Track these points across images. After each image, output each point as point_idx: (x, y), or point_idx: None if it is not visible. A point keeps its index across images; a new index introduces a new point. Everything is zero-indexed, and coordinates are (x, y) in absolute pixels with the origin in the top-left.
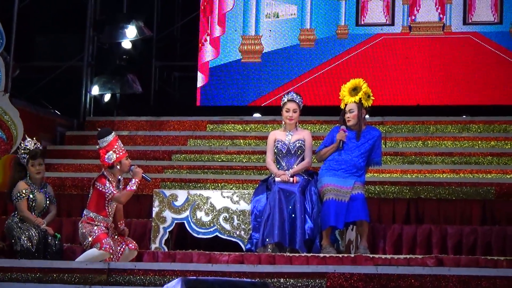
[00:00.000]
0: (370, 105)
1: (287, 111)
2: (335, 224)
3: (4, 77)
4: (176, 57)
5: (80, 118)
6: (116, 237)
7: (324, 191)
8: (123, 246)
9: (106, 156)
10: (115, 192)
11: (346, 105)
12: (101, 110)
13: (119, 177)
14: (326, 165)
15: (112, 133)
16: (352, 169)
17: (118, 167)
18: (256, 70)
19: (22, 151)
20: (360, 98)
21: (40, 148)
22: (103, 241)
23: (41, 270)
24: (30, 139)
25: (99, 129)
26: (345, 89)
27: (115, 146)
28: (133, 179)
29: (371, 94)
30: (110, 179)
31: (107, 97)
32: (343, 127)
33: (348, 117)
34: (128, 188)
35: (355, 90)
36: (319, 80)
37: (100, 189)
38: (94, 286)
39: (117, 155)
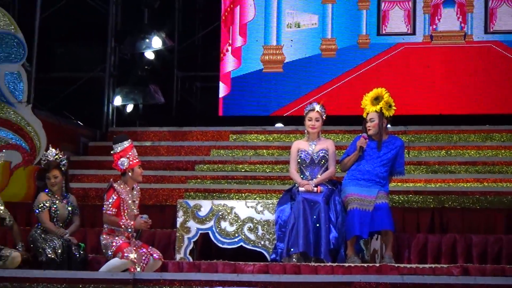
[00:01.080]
0: (391, 115)
1: (309, 120)
2: (359, 233)
3: (27, 88)
4: (198, 67)
5: (102, 128)
6: (140, 247)
7: (348, 201)
8: (148, 256)
9: (119, 162)
10: (109, 212)
11: (367, 114)
12: (123, 121)
13: (135, 186)
14: (349, 175)
15: (128, 140)
16: (375, 178)
17: (130, 174)
18: (277, 80)
19: (43, 162)
20: (381, 108)
21: (63, 158)
22: (125, 250)
23: (66, 281)
24: (53, 149)
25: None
26: (367, 98)
27: (129, 153)
28: (131, 223)
29: (393, 104)
30: (121, 188)
31: (129, 108)
32: (364, 134)
33: (369, 126)
34: (120, 222)
35: (377, 99)
36: (341, 90)
37: (104, 202)
38: None
39: (130, 162)
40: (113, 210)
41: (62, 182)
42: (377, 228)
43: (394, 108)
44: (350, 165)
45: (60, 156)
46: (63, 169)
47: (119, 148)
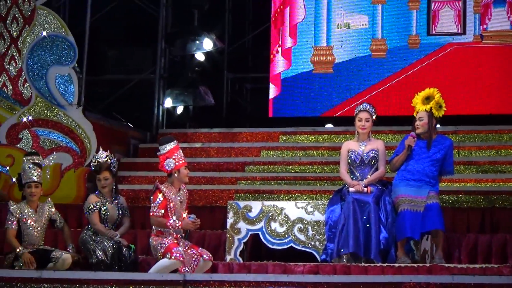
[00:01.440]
0: (441, 115)
1: (359, 121)
2: (411, 235)
3: (77, 90)
4: (248, 69)
5: (153, 130)
6: (189, 248)
7: (399, 202)
8: (198, 257)
9: (165, 163)
10: (156, 213)
11: (417, 113)
12: (173, 123)
13: (182, 186)
14: (399, 175)
15: (174, 141)
16: (425, 178)
17: (176, 175)
18: (327, 81)
19: (93, 164)
20: (431, 107)
21: (114, 160)
22: (173, 250)
23: (116, 282)
24: (103, 151)
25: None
26: (418, 97)
27: (175, 154)
28: (179, 223)
29: (444, 105)
30: (167, 190)
31: (179, 110)
32: (412, 133)
33: (418, 125)
34: (167, 223)
35: (428, 99)
36: (391, 90)
37: (151, 203)
38: None
39: (176, 163)
40: (160, 211)
41: (112, 184)
42: (428, 229)
43: (444, 108)
44: (399, 165)
45: (111, 158)
46: (113, 170)
47: (165, 149)
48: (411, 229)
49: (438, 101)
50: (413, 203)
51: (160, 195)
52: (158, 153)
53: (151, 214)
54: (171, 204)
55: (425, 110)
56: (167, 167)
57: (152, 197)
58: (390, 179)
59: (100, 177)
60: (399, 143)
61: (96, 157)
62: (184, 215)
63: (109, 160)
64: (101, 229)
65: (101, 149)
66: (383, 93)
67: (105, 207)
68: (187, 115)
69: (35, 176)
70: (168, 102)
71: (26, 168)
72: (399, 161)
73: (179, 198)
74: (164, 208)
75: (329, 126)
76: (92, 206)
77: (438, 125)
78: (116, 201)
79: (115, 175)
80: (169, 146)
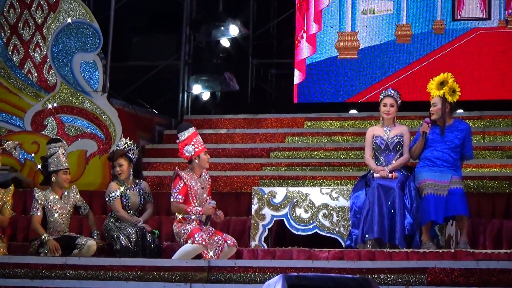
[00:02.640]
0: (455, 100)
1: (384, 106)
2: (435, 218)
3: (102, 77)
4: (273, 55)
5: (177, 117)
6: (214, 234)
7: (423, 187)
8: (223, 243)
9: (184, 150)
10: (176, 199)
11: (432, 98)
12: (198, 109)
13: (204, 172)
14: (421, 163)
15: (192, 128)
16: (446, 164)
17: (197, 161)
18: (352, 67)
19: (109, 152)
20: (444, 93)
21: (133, 147)
22: (196, 235)
23: (141, 268)
24: (124, 139)
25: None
26: (433, 82)
27: (194, 140)
28: (199, 209)
29: (458, 90)
30: (188, 176)
31: (204, 96)
32: (426, 119)
33: (432, 111)
34: (188, 209)
35: (442, 84)
36: (415, 76)
37: (172, 189)
38: (195, 284)
39: (196, 149)
40: (181, 197)
41: (129, 171)
42: (452, 213)
43: (458, 93)
44: (418, 152)
45: (130, 145)
46: (131, 157)
47: (183, 136)
48: (435, 213)
49: (452, 86)
50: (437, 187)
51: (180, 182)
52: (177, 141)
53: (171, 200)
54: (192, 191)
55: (439, 95)
56: (186, 153)
57: (172, 184)
58: (415, 164)
59: (115, 164)
60: (417, 131)
61: (117, 145)
62: (208, 200)
63: (126, 147)
64: (124, 216)
65: (123, 137)
66: (408, 79)
67: (126, 194)
68: (212, 101)
69: (67, 163)
70: (196, 88)
71: (60, 155)
72: (418, 149)
73: (200, 184)
74: (184, 194)
75: (353, 111)
76: (112, 194)
77: (461, 110)
78: (138, 187)
79: (133, 161)
80: (187, 133)
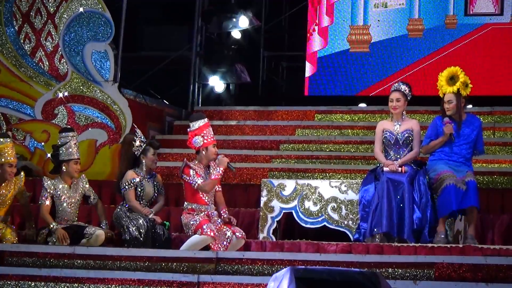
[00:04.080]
0: (468, 93)
1: (390, 101)
2: (456, 208)
3: (113, 66)
4: (284, 47)
5: (188, 108)
6: (222, 226)
7: (443, 178)
8: (231, 235)
9: (193, 140)
10: (199, 182)
11: (444, 94)
12: (209, 100)
13: (213, 164)
14: (435, 156)
15: (204, 119)
16: (462, 159)
17: (204, 152)
18: (364, 60)
19: (140, 139)
20: (458, 88)
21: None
22: (204, 226)
23: (149, 259)
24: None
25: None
26: (442, 78)
27: (204, 132)
28: (218, 168)
29: (469, 82)
30: (196, 167)
31: (216, 87)
32: (446, 119)
33: (448, 108)
34: (213, 177)
35: (452, 79)
36: (427, 70)
37: (187, 180)
38: (203, 275)
39: (205, 141)
40: (200, 179)
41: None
42: (466, 205)
43: (470, 86)
44: (434, 150)
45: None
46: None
47: (195, 126)
48: (457, 203)
49: (464, 80)
50: (457, 180)
51: (191, 170)
52: (188, 130)
53: (195, 187)
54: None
55: (452, 92)
56: (195, 144)
57: (184, 174)
58: (425, 159)
59: (152, 152)
60: (428, 127)
61: (139, 134)
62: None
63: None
64: (136, 206)
65: (135, 126)
66: (419, 73)
67: (141, 185)
68: (223, 92)
69: (78, 153)
70: (208, 80)
71: (72, 145)
72: (436, 148)
73: (207, 176)
74: (199, 177)
75: (362, 105)
76: (129, 183)
77: (470, 106)
78: (153, 179)
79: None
80: (199, 123)
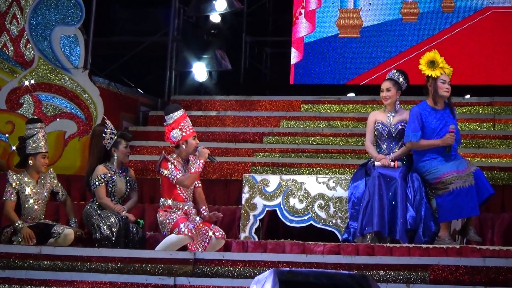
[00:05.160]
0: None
1: (381, 91)
2: (473, 213)
3: (84, 52)
4: (268, 32)
5: (164, 97)
6: (201, 224)
7: (448, 181)
8: (210, 235)
9: (171, 134)
10: (178, 176)
11: (437, 76)
12: (187, 89)
13: (193, 158)
14: (431, 154)
15: (180, 110)
16: (454, 151)
17: (184, 146)
18: (354, 46)
19: (110, 131)
20: (441, 73)
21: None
22: (181, 225)
23: (122, 260)
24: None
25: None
26: (422, 63)
27: (182, 124)
28: (198, 161)
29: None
30: (174, 161)
31: (194, 75)
32: (452, 127)
33: (447, 89)
34: (193, 170)
35: (433, 63)
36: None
37: (164, 174)
38: (179, 277)
39: (183, 134)
40: (179, 173)
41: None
42: (484, 197)
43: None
44: (425, 149)
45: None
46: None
47: (171, 119)
48: (472, 208)
49: (444, 65)
50: (464, 179)
51: (169, 164)
52: (164, 124)
53: (174, 181)
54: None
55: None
56: (173, 139)
57: (161, 168)
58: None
59: (124, 145)
60: (410, 119)
61: (110, 126)
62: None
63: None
64: (107, 203)
65: (106, 119)
66: (413, 61)
67: (113, 180)
68: (202, 81)
69: (46, 146)
70: (185, 67)
71: (40, 137)
72: (426, 148)
73: (182, 173)
74: (178, 171)
75: (351, 95)
76: (99, 178)
77: (468, 96)
78: (125, 174)
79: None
80: (175, 116)
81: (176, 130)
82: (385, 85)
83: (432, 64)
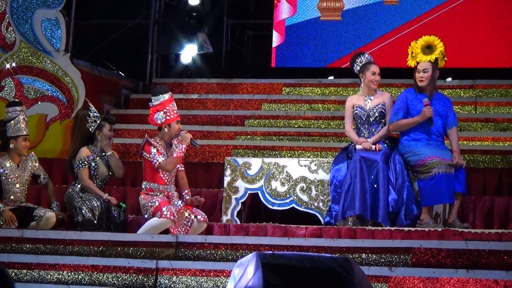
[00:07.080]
0: (443, 65)
1: (373, 74)
2: (449, 200)
3: (65, 35)
4: (250, 15)
5: (146, 80)
6: (183, 208)
7: (431, 165)
8: (192, 218)
9: (155, 116)
10: (160, 160)
11: (417, 63)
12: (168, 72)
13: (176, 141)
14: (412, 135)
15: (168, 93)
16: (440, 138)
17: (166, 130)
18: (335, 29)
19: (94, 115)
20: (436, 58)
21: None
22: (163, 208)
23: (104, 243)
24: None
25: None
26: (417, 46)
27: (167, 107)
28: (181, 145)
29: (445, 55)
30: (157, 144)
31: (175, 58)
32: (426, 100)
33: (422, 77)
34: (175, 154)
35: (429, 48)
36: (403, 40)
37: (147, 157)
38: (162, 260)
39: (167, 117)
40: (161, 157)
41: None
42: (458, 190)
43: (445, 59)
44: (406, 129)
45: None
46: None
47: (158, 100)
48: (449, 194)
49: (442, 50)
50: (447, 166)
51: (152, 148)
52: (150, 104)
53: (156, 165)
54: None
55: (429, 60)
56: (156, 120)
57: (144, 152)
58: (398, 134)
59: (108, 128)
60: (397, 100)
61: (93, 109)
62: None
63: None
64: (90, 186)
65: (89, 103)
66: (394, 43)
67: (95, 163)
68: (184, 64)
69: (27, 129)
70: (167, 49)
71: (21, 120)
72: (408, 127)
73: (170, 154)
74: (161, 155)
75: (331, 78)
76: (82, 161)
77: (449, 79)
78: (106, 157)
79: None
80: (161, 98)
81: (160, 112)
82: (378, 69)
83: (429, 48)
